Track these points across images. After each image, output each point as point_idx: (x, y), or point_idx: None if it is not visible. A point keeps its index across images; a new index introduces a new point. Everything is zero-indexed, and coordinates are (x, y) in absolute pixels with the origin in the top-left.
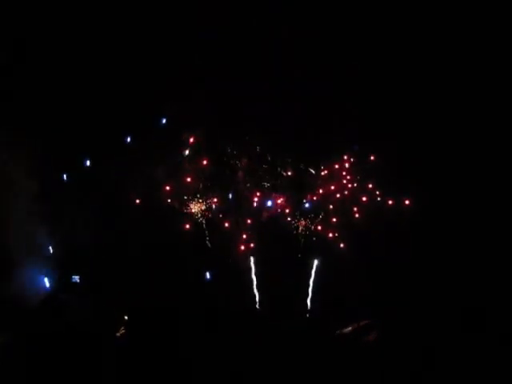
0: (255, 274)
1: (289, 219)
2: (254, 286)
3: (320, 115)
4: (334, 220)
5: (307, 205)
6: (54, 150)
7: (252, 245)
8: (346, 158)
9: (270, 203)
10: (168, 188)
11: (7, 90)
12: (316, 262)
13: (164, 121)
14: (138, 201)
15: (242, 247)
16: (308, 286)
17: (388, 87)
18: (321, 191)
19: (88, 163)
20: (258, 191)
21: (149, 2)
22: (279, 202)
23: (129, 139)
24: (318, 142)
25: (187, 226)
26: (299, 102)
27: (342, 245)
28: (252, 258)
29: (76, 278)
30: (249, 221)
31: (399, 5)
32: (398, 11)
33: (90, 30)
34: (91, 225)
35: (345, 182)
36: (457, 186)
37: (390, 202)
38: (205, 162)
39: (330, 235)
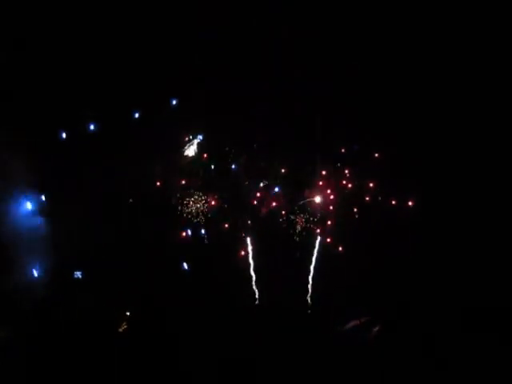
0: (254, 270)
1: (285, 217)
2: (253, 283)
3: (320, 115)
4: (330, 223)
5: (304, 201)
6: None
7: (250, 245)
8: (345, 158)
9: (276, 189)
10: (166, 185)
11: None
12: (318, 241)
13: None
14: (138, 197)
15: (243, 252)
16: (308, 282)
17: (388, 87)
18: (319, 190)
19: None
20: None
21: (149, 1)
22: (274, 205)
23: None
24: (318, 142)
25: (183, 234)
26: (299, 102)
27: (340, 248)
28: (250, 254)
29: (78, 274)
30: (249, 221)
31: (399, 5)
32: (398, 11)
33: (90, 30)
34: (93, 220)
35: (344, 182)
36: (457, 186)
37: (394, 202)
38: (205, 156)
39: (328, 240)
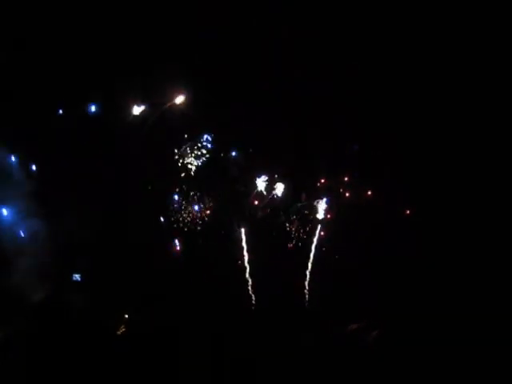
0: (250, 274)
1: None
2: (250, 287)
3: (320, 115)
4: (328, 228)
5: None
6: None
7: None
8: (345, 160)
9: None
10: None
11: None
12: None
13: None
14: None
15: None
16: (305, 286)
17: (388, 87)
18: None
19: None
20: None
21: (149, 1)
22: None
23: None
24: (318, 143)
25: (177, 248)
26: (299, 102)
27: (336, 256)
28: (246, 257)
29: (77, 277)
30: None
31: (398, 5)
32: (397, 11)
33: (90, 30)
34: (91, 222)
35: (341, 190)
36: (457, 189)
37: (392, 208)
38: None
39: (324, 249)
